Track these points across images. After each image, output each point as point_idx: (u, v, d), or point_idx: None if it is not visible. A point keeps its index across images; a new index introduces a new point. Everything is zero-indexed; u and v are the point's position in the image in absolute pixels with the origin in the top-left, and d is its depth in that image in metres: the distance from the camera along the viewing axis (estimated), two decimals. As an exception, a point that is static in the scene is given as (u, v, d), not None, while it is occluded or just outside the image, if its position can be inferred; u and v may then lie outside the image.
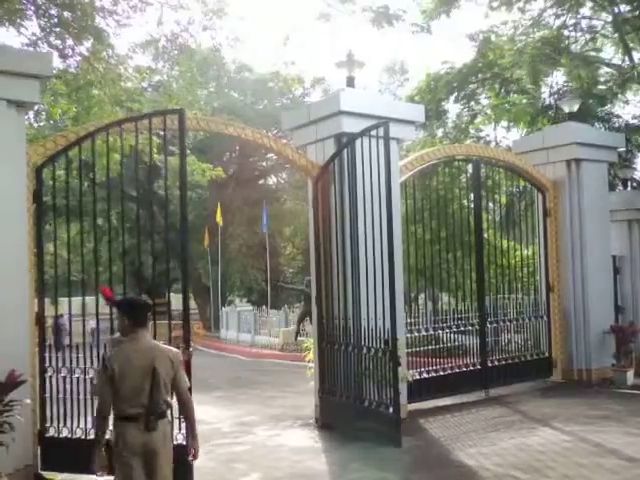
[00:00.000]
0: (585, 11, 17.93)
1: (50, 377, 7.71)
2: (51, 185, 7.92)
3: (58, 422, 7.64)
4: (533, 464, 7.23)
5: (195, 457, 5.05)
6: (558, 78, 19.22)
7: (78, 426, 7.59)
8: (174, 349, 5.12)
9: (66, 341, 14.70)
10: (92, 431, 6.45)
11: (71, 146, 7.92)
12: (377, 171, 8.33)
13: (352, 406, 8.75)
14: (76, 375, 7.74)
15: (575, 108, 12.95)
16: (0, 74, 7.05)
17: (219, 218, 26.80)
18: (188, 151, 13.00)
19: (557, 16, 17.63)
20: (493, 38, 18.36)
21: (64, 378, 7.77)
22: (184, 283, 7.73)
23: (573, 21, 17.81)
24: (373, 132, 8.59)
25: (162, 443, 4.78)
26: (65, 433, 7.62)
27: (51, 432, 7.64)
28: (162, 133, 8.44)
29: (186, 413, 5.03)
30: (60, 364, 7.78)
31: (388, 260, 8.11)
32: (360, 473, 7.29)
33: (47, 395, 7.67)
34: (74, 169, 9.58)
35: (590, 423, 8.94)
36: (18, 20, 10.83)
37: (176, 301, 8.99)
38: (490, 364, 11.25)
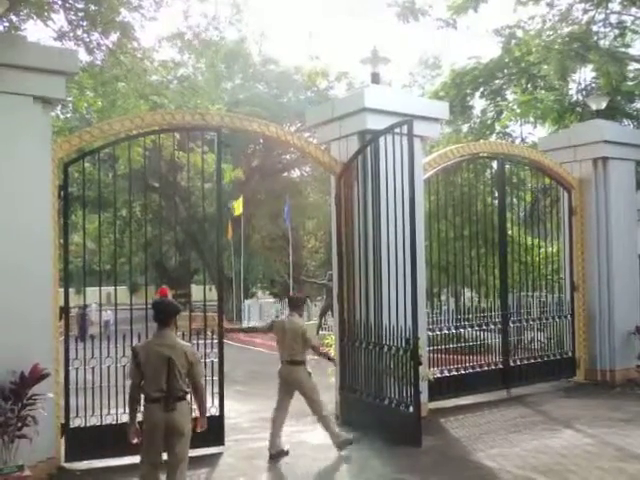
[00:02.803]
0: (614, 6, 17.61)
1: (77, 369, 7.81)
2: (75, 178, 8.05)
3: (85, 411, 7.75)
4: (554, 467, 7.17)
5: (203, 427, 5.91)
6: (586, 74, 18.93)
7: (108, 413, 7.78)
8: (190, 347, 5.93)
9: (90, 331, 14.88)
10: (123, 417, 7.20)
11: (105, 146, 8.32)
12: (400, 169, 8.27)
13: (372, 404, 8.75)
14: (106, 365, 7.90)
15: (603, 105, 12.75)
16: (26, 70, 7.14)
17: (238, 210, 26.88)
18: (207, 148, 13.03)
19: (586, 11, 17.34)
20: (520, 33, 18.10)
21: (92, 369, 7.88)
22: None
23: (602, 16, 17.51)
24: (397, 129, 8.54)
25: (180, 422, 5.58)
26: (94, 422, 7.75)
27: (77, 423, 7.73)
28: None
29: (197, 397, 5.85)
30: (84, 355, 7.90)
31: (410, 259, 8.06)
32: (378, 472, 7.29)
33: (72, 386, 7.76)
34: (96, 162, 9.79)
35: (613, 426, 8.85)
36: (46, 14, 10.91)
37: (197, 292, 9.05)
38: (512, 363, 11.18)
